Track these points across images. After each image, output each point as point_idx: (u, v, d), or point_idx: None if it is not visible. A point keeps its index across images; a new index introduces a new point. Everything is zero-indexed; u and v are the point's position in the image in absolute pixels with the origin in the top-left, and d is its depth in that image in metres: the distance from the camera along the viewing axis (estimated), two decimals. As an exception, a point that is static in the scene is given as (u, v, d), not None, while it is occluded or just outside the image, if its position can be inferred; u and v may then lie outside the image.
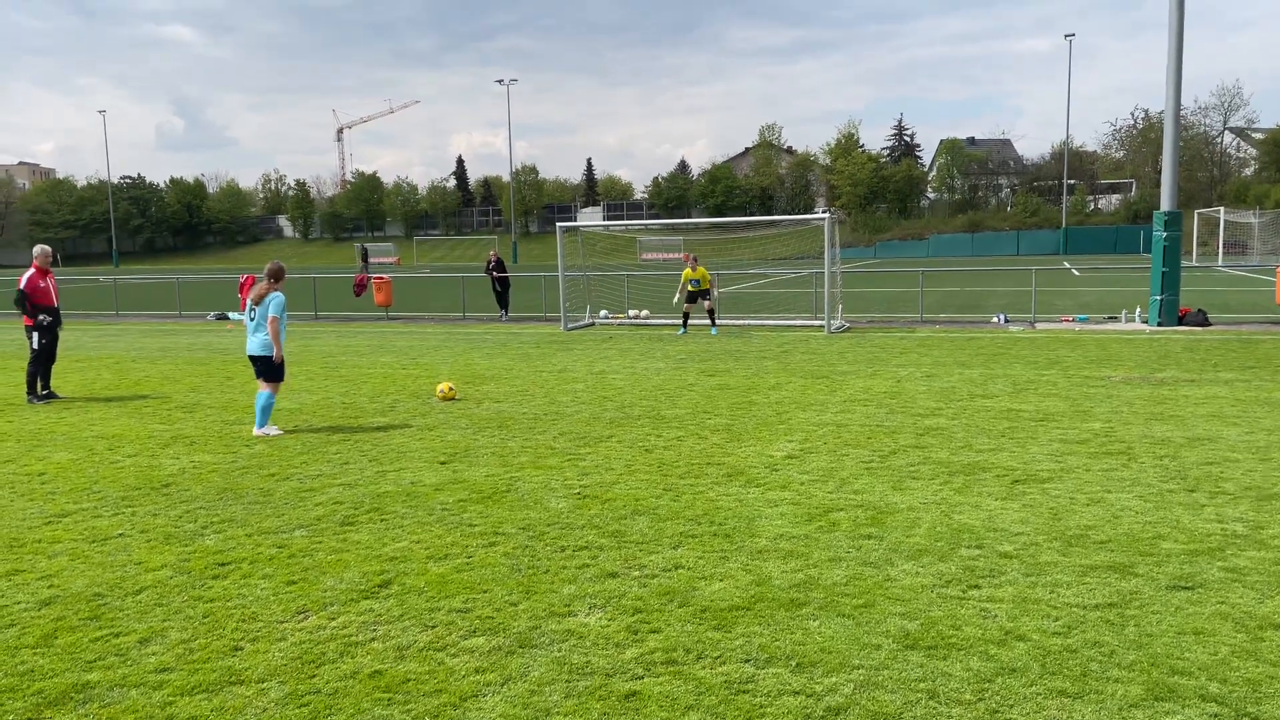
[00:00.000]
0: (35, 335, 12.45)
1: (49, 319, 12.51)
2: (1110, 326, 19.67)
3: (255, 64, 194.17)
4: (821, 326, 20.20)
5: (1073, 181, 78.43)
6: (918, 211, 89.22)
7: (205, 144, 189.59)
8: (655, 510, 6.90)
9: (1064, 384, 12.21)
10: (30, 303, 12.45)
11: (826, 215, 21.67)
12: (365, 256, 51.74)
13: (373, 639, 4.79)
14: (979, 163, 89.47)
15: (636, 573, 5.64)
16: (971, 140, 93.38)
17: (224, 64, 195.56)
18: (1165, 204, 20.25)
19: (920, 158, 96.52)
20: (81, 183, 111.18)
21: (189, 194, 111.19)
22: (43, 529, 6.72)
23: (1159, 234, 19.99)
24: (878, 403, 11.11)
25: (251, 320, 9.90)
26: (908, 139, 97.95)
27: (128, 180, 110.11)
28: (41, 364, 12.55)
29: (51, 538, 6.51)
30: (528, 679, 4.32)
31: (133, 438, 9.95)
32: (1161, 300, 19.63)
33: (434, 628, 4.91)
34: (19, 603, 5.32)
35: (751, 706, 4.03)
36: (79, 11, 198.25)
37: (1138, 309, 20.64)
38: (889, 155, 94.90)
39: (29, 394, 12.44)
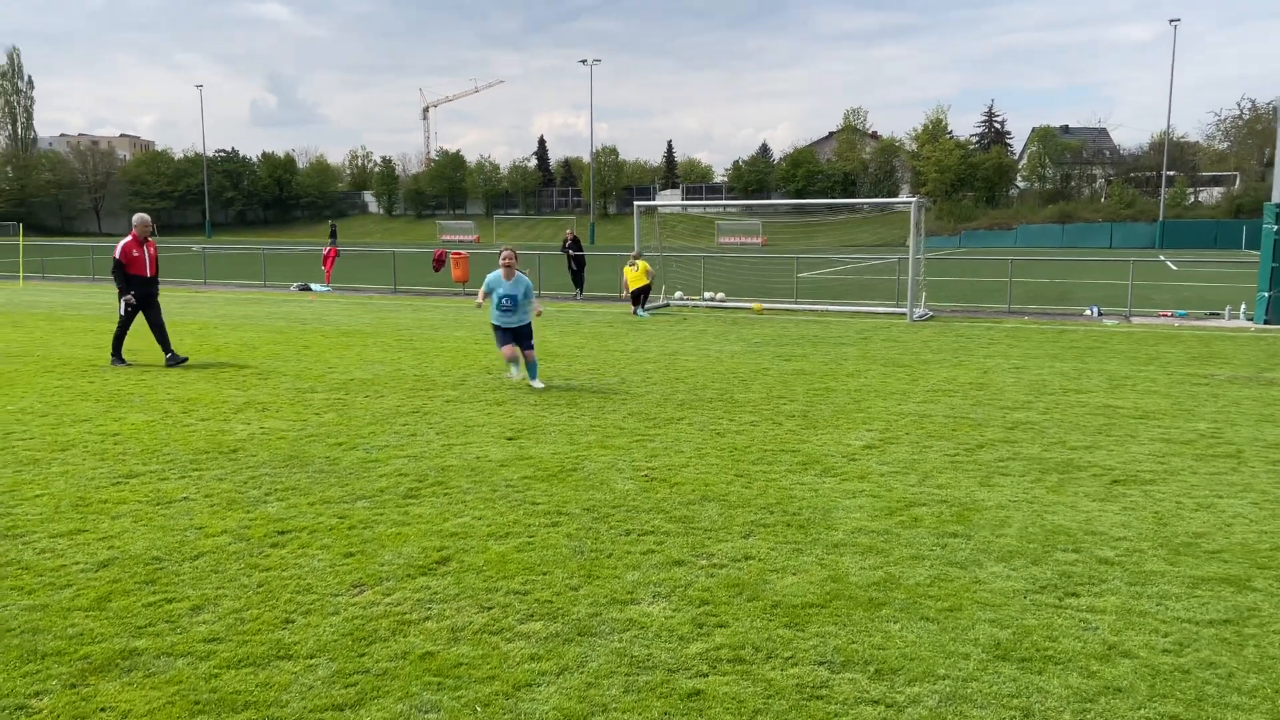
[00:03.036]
0: (122, 303, 12.64)
1: (133, 300, 12.58)
2: (1212, 323, 18.63)
3: (346, 43, 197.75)
4: (903, 314, 19.57)
5: (1172, 173, 75.17)
6: (1006, 200, 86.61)
7: (297, 120, 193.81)
8: (725, 497, 6.59)
9: (1164, 381, 11.51)
10: (125, 271, 12.62)
11: (914, 200, 20.97)
12: (334, 233, 53.05)
13: (426, 618, 4.59)
14: (1073, 152, 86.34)
15: (704, 562, 5.34)
16: (1065, 128, 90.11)
17: (317, 43, 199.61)
18: (1277, 195, 19.07)
19: (1010, 145, 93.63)
20: (178, 155, 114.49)
21: (279, 168, 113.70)
22: (109, 489, 6.71)
23: (1269, 227, 18.83)
24: (963, 394, 10.60)
25: (511, 298, 11.06)
26: (998, 126, 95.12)
27: (222, 154, 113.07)
28: (128, 329, 12.74)
29: (117, 499, 6.48)
30: (585, 670, 4.07)
31: (207, 402, 10.00)
32: (1270, 296, 18.50)
33: (490, 609, 4.70)
34: (77, 563, 5.26)
35: (825, 714, 3.71)
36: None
37: (1243, 305, 19.51)
38: (978, 142, 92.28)
39: (113, 356, 12.64)
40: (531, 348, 11.18)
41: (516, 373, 11.14)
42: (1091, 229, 73.18)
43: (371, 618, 4.59)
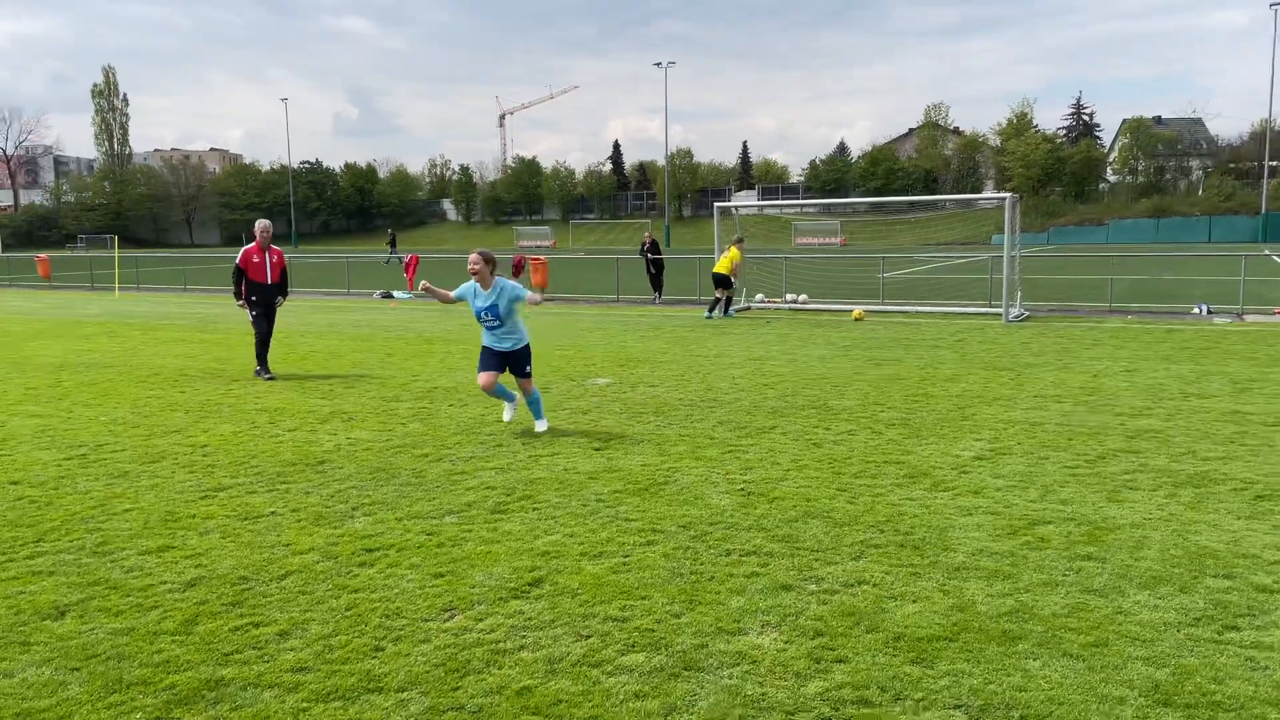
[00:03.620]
0: (249, 311, 12.70)
1: (249, 307, 12.51)
2: (1336, 320, 17.46)
3: (425, 54, 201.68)
4: (997, 314, 18.81)
5: (1275, 163, 71.67)
6: (1096, 195, 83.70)
7: (377, 131, 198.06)
8: (830, 514, 6.19)
9: (1294, 384, 10.70)
10: (245, 277, 12.57)
11: (1007, 196, 20.17)
12: (393, 242, 53.05)
13: (521, 647, 4.31)
14: (1167, 143, 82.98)
15: (814, 586, 4.97)
16: (1158, 119, 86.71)
17: (396, 54, 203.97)
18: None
19: (1100, 138, 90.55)
20: (265, 167, 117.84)
21: (361, 178, 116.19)
22: (198, 503, 6.62)
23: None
24: (1074, 399, 9.98)
25: (492, 309, 8.57)
26: (1086, 118, 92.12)
27: (307, 165, 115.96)
28: (266, 338, 12.54)
29: (205, 513, 6.38)
30: (695, 710, 3.74)
31: (294, 411, 9.96)
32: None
33: (588, 638, 4.40)
34: (165, 583, 5.12)
35: (968, 769, 3.32)
36: (266, 5, 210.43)
37: (1369, 301, 18.27)
38: (1065, 136, 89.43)
39: (258, 368, 12.47)
40: (529, 376, 8.80)
41: (510, 412, 9.06)
42: (1188, 223, 70.33)
43: (464, 646, 4.33)
